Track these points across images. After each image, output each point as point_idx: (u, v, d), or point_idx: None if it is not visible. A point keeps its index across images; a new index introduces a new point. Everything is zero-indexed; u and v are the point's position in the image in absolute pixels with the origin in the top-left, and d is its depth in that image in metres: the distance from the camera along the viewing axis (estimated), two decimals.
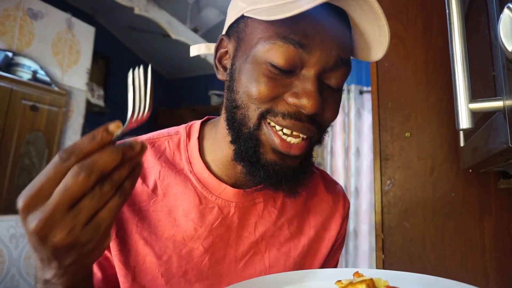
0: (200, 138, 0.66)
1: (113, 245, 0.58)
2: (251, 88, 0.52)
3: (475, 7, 0.54)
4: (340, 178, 3.20)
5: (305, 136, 0.54)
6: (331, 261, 0.75)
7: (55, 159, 0.34)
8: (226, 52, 0.60)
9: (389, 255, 0.98)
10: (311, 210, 0.71)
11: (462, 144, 0.79)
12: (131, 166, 0.37)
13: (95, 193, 0.34)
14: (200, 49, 0.67)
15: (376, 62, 1.06)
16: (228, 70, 0.59)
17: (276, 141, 0.53)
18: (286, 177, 0.56)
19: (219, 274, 0.61)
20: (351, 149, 3.19)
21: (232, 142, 0.57)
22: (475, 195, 0.92)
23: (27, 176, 2.50)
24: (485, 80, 0.46)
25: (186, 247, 0.60)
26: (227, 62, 0.60)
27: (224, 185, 0.61)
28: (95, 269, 0.59)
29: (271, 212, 0.66)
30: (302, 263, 0.68)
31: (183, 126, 0.69)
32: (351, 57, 0.59)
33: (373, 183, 1.04)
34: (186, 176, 0.62)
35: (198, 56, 3.50)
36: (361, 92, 3.32)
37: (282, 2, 0.51)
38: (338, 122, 3.31)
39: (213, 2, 3.40)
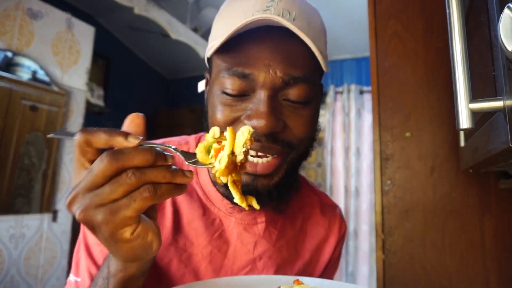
0: None
1: None
2: (213, 116, 0.58)
3: (475, 7, 0.53)
4: (340, 178, 3.20)
5: (272, 156, 0.56)
6: (328, 270, 0.77)
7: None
8: None
9: (390, 255, 0.98)
10: (307, 233, 0.73)
11: (462, 144, 0.79)
12: (171, 174, 0.38)
13: (116, 180, 0.36)
14: (202, 85, 0.73)
15: (376, 62, 1.06)
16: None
17: None
18: (260, 196, 0.56)
19: None
20: (351, 149, 3.19)
21: None
22: (475, 195, 0.92)
23: (27, 176, 2.50)
24: (485, 80, 0.46)
25: (186, 252, 0.62)
26: None
27: (226, 200, 0.63)
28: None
29: (272, 233, 0.68)
30: None
31: (193, 136, 0.73)
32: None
33: (373, 183, 1.04)
34: (192, 186, 0.65)
35: (198, 56, 3.49)
36: (361, 92, 3.32)
37: (226, 36, 0.54)
38: (338, 122, 3.31)
39: (213, 2, 3.40)
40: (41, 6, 2.61)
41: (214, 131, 0.43)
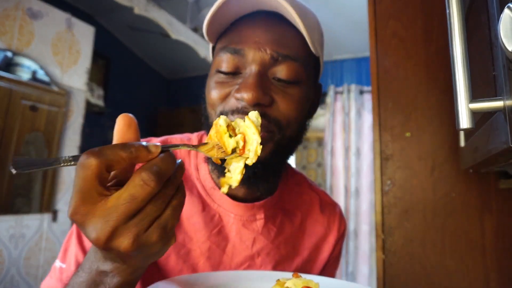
0: None
1: None
2: (208, 95, 0.60)
3: (475, 7, 0.53)
4: (340, 178, 3.20)
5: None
6: (329, 268, 0.77)
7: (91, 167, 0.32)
8: None
9: (390, 255, 0.98)
10: (306, 231, 0.73)
11: (462, 144, 0.79)
12: (182, 170, 0.38)
13: (159, 196, 0.34)
14: None
15: (377, 62, 1.06)
16: None
17: None
18: (246, 177, 0.57)
19: None
20: (351, 149, 3.19)
21: None
22: (475, 195, 0.92)
23: (27, 176, 2.50)
24: (485, 80, 0.46)
25: (184, 248, 0.62)
26: None
27: (225, 196, 0.64)
28: None
29: (271, 230, 0.68)
30: None
31: (195, 134, 0.73)
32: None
33: (373, 183, 1.04)
34: (192, 182, 0.66)
35: (198, 56, 3.49)
36: (361, 92, 3.32)
37: (214, 8, 0.59)
38: (338, 122, 3.31)
39: (213, 1, 3.39)
40: (41, 6, 2.61)
41: (224, 119, 0.43)
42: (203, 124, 0.65)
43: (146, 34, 3.87)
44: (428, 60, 1.01)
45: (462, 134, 0.80)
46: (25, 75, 2.50)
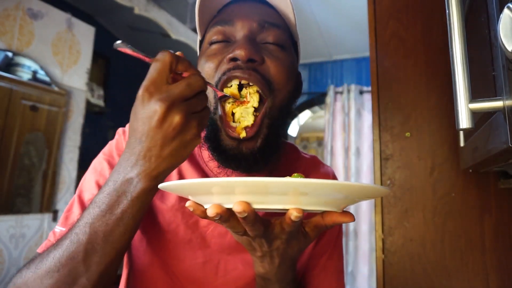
0: None
1: None
2: (203, 70, 0.63)
3: (475, 7, 0.54)
4: (340, 178, 3.20)
5: (255, 113, 0.60)
6: (323, 272, 0.72)
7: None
8: None
9: (389, 255, 0.98)
10: None
11: (462, 144, 0.79)
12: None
13: (201, 97, 0.47)
14: None
15: (376, 62, 1.06)
16: None
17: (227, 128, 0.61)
18: (246, 160, 0.59)
19: (220, 244, 0.65)
20: (351, 149, 3.19)
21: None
22: (475, 195, 0.92)
23: (27, 176, 2.50)
24: (485, 80, 0.46)
25: (193, 218, 0.65)
26: None
27: (225, 169, 0.65)
28: None
29: None
30: None
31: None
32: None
33: (373, 183, 1.04)
34: (195, 159, 0.70)
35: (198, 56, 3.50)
36: (361, 92, 3.32)
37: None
38: (338, 122, 3.31)
39: None
40: (41, 6, 2.61)
41: (234, 84, 0.59)
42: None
43: (146, 34, 3.87)
44: (428, 60, 1.01)
45: (461, 134, 0.80)
46: (25, 75, 2.50)
